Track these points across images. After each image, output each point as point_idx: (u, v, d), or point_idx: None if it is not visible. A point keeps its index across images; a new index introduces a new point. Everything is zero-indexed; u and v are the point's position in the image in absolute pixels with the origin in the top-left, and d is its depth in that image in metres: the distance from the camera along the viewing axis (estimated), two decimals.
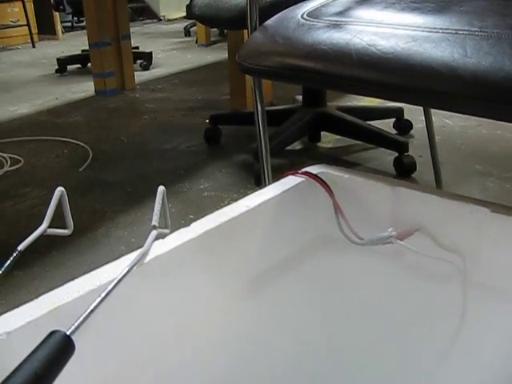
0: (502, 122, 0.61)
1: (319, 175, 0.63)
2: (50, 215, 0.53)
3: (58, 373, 0.37)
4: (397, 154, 1.71)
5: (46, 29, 5.12)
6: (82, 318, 0.41)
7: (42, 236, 0.52)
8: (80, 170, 1.84)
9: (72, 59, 3.64)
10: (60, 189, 0.54)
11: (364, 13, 0.74)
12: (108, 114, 2.51)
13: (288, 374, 0.68)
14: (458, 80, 0.59)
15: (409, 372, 0.64)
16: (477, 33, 0.61)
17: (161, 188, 0.55)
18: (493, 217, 0.56)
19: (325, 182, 0.63)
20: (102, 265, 0.48)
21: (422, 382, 0.63)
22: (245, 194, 0.60)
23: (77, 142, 2.10)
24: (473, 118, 2.07)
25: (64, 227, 0.55)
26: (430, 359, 0.63)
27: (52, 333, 0.38)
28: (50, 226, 0.53)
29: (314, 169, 0.65)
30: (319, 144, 2.01)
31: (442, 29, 0.64)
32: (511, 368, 0.48)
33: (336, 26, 0.72)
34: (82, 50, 3.69)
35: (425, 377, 0.63)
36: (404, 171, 1.69)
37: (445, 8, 0.69)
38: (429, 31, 0.64)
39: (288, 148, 1.88)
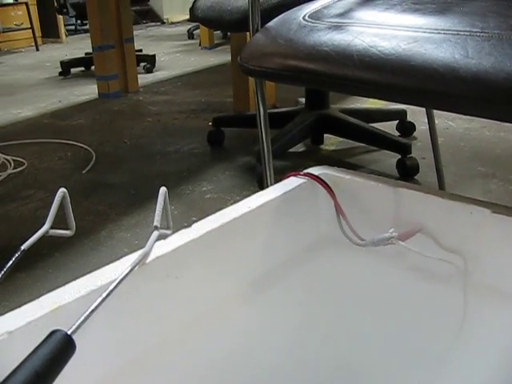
0: (505, 124, 0.61)
1: (321, 176, 0.63)
2: (52, 216, 0.53)
3: (59, 372, 0.37)
4: (400, 156, 1.71)
5: (49, 32, 5.13)
6: (82, 318, 0.41)
7: (44, 238, 0.52)
8: (83, 172, 1.84)
9: (75, 62, 3.65)
10: (62, 190, 0.54)
11: (365, 14, 0.74)
12: (111, 117, 2.51)
13: (289, 375, 0.68)
14: (460, 81, 0.59)
15: (410, 373, 0.64)
16: (478, 34, 0.61)
17: (162, 189, 0.55)
18: (494, 217, 0.56)
19: (326, 183, 0.63)
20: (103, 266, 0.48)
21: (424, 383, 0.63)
22: (247, 197, 0.60)
23: (80, 144, 2.11)
24: (476, 119, 2.07)
25: (66, 228, 0.55)
26: (431, 360, 0.63)
27: (53, 332, 0.38)
28: (52, 227, 0.53)
29: (315, 170, 0.65)
30: (322, 146, 2.01)
31: (443, 30, 0.64)
32: None
33: (337, 27, 0.72)
34: (86, 53, 3.71)
35: (426, 378, 0.63)
36: (407, 173, 1.69)
37: (446, 9, 0.69)
38: (430, 32, 0.65)
39: (291, 150, 1.88)
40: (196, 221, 0.55)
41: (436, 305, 0.61)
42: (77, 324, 0.40)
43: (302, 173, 0.64)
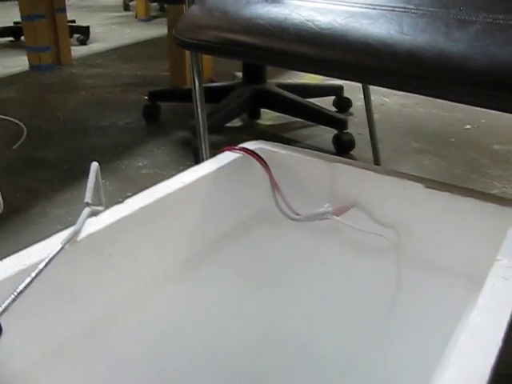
0: (438, 101, 0.62)
1: (256, 151, 0.63)
2: None
3: None
4: (336, 132, 1.73)
5: None
6: (9, 300, 0.39)
7: None
8: (14, 147, 1.77)
9: (3, 31, 3.49)
10: None
11: None
12: (43, 90, 2.43)
13: (221, 352, 0.68)
14: (395, 57, 0.59)
15: (346, 346, 0.65)
16: (413, 10, 0.62)
17: (94, 164, 0.53)
18: (426, 192, 0.57)
19: (262, 158, 0.62)
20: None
21: (359, 355, 0.64)
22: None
23: (10, 118, 2.03)
24: (411, 96, 2.11)
25: None
26: (366, 332, 0.64)
27: None
28: None
29: (251, 145, 0.64)
30: (259, 121, 2.01)
31: (379, 5, 0.64)
32: (443, 338, 0.49)
33: (274, 0, 0.71)
34: (15, 22, 3.56)
35: (361, 349, 0.64)
36: (343, 148, 1.71)
37: None
38: (366, 7, 0.65)
39: (227, 125, 1.87)
40: (131, 197, 0.53)
41: (371, 278, 0.62)
42: (3, 306, 0.39)
43: (237, 147, 0.63)
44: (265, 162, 0.62)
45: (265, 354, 0.71)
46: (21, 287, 0.41)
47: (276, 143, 0.65)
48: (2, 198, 0.54)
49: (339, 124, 1.74)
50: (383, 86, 0.64)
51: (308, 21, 0.66)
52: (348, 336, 0.65)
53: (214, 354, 0.66)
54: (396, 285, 0.60)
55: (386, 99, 2.19)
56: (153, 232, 0.54)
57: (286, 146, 0.65)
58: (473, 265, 0.55)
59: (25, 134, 1.88)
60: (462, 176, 1.53)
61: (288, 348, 0.70)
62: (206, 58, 2.50)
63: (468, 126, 1.91)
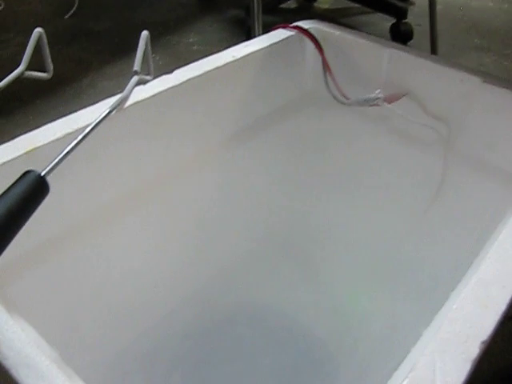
0: None
1: (310, 30, 0.61)
2: (27, 57, 0.52)
3: (32, 211, 0.37)
4: (394, 21, 1.66)
5: None
6: (56, 160, 0.40)
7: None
8: (66, 17, 1.76)
9: None
10: (38, 30, 0.52)
11: None
12: None
13: (262, 225, 0.69)
14: None
15: (385, 234, 0.65)
16: None
17: (144, 33, 0.53)
18: (484, 87, 0.54)
19: (315, 38, 0.60)
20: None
21: (397, 245, 0.64)
22: None
23: None
24: None
25: (44, 71, 0.53)
26: (406, 222, 0.64)
27: (26, 173, 0.38)
28: (29, 69, 0.51)
29: (305, 23, 0.62)
30: (315, 4, 1.93)
31: None
32: (484, 235, 0.49)
33: None
34: None
35: (401, 238, 0.64)
36: (400, 38, 1.64)
37: None
38: None
39: (282, 6, 1.81)
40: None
41: (416, 169, 0.61)
42: (50, 166, 0.39)
43: (290, 25, 0.61)
44: (318, 42, 0.60)
45: (299, 228, 0.72)
46: (67, 149, 0.41)
47: (331, 24, 0.63)
48: (52, 64, 0.54)
49: (398, 12, 1.66)
50: None
51: None
52: (386, 224, 0.65)
53: (249, 224, 0.67)
54: (441, 179, 0.59)
55: None
56: (200, 104, 0.54)
57: (341, 27, 0.62)
58: None
59: (76, 3, 1.86)
60: None
61: (320, 229, 0.71)
62: None
63: None
